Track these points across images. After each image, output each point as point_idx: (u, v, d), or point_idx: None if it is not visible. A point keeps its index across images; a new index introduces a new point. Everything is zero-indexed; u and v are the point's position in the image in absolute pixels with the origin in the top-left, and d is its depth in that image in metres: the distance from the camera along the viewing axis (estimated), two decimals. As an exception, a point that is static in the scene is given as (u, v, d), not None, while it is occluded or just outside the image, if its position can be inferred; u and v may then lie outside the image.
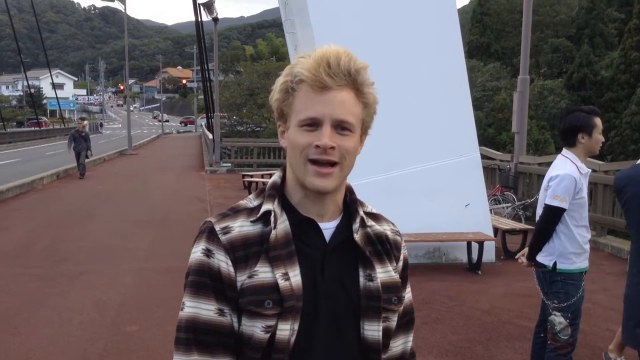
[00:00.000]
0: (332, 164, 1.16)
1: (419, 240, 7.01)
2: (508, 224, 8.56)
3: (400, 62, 7.37)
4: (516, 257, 3.94)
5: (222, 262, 1.17)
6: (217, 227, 1.19)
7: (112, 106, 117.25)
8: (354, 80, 1.17)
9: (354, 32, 6.92)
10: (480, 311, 5.65)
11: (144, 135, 51.65)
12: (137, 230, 9.90)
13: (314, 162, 1.16)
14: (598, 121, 3.48)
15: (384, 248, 1.28)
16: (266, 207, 1.20)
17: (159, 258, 7.93)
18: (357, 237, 1.25)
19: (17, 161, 24.33)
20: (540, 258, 3.55)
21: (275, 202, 1.21)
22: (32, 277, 6.85)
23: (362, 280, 1.23)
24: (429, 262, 7.47)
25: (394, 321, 1.28)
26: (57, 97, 53.51)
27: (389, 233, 1.31)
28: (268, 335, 1.15)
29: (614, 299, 5.68)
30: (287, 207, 1.22)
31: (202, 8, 24.83)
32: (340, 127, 1.16)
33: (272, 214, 1.19)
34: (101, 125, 70.25)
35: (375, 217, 1.32)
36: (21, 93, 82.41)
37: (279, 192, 1.23)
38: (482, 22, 44.36)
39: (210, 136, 25.92)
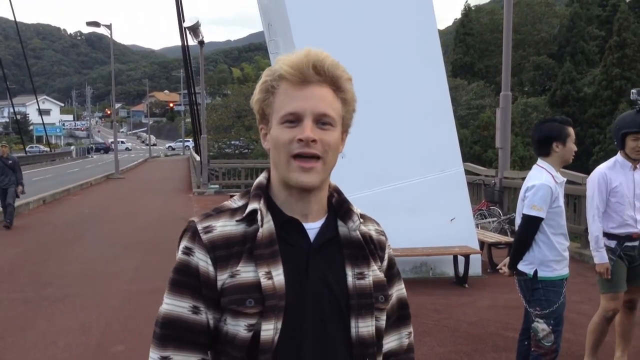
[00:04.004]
0: (315, 157, 1.17)
1: (406, 255, 7.04)
2: (493, 237, 8.62)
3: (382, 80, 7.47)
4: (498, 267, 3.99)
5: (201, 260, 1.18)
6: (200, 227, 1.21)
7: (99, 131, 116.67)
8: (332, 77, 1.20)
9: (338, 52, 6.94)
10: (467, 323, 5.68)
11: (131, 159, 51.47)
12: (124, 252, 9.83)
13: (297, 156, 1.16)
14: (571, 131, 3.59)
15: (369, 248, 1.28)
16: (252, 206, 1.21)
17: (145, 279, 7.89)
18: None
19: (2, 187, 24.08)
20: (521, 267, 3.61)
21: (262, 202, 1.22)
22: (16, 302, 6.78)
23: (350, 279, 1.22)
24: (416, 277, 7.49)
25: (383, 321, 1.28)
26: (43, 123, 53.20)
27: (373, 233, 1.32)
28: (251, 333, 1.15)
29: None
30: (272, 207, 1.23)
31: (188, 32, 24.94)
32: (321, 121, 1.17)
33: (259, 213, 1.20)
34: (89, 151, 69.64)
35: (361, 217, 1.32)
36: (7, 120, 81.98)
37: (264, 192, 1.24)
38: (465, 42, 44.98)
39: (198, 158, 25.89)
